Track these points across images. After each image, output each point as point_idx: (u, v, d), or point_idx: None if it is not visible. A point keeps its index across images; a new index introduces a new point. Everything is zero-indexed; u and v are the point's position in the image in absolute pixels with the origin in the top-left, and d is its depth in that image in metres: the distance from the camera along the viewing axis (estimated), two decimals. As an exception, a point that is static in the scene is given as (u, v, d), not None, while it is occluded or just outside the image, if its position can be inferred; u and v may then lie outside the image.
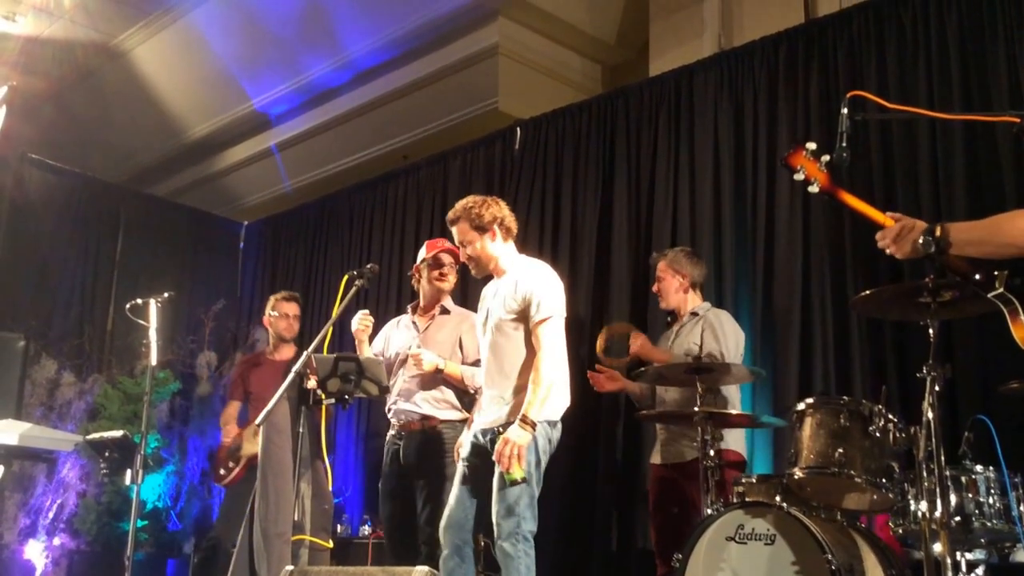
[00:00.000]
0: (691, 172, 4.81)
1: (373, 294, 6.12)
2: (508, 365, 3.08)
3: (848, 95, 2.32)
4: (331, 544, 4.14)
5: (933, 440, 2.47)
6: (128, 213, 7.15)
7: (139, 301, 4.23)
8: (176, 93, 7.26)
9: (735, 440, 3.68)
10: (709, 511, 3.16)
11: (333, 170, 7.24)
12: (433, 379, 3.61)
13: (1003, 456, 2.73)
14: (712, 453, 3.31)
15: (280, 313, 4.59)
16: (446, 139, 6.39)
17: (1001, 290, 2.11)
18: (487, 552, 4.42)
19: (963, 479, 2.75)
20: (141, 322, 4.17)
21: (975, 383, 3.57)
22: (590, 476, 4.77)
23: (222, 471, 4.55)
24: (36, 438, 4.46)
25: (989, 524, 2.71)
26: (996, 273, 2.11)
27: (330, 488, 4.25)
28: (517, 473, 2.84)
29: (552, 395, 2.98)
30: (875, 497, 2.92)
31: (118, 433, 4.58)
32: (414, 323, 3.83)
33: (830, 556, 2.67)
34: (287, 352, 4.61)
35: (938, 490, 2.47)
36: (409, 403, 3.62)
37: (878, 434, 2.82)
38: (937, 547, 2.47)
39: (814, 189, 2.27)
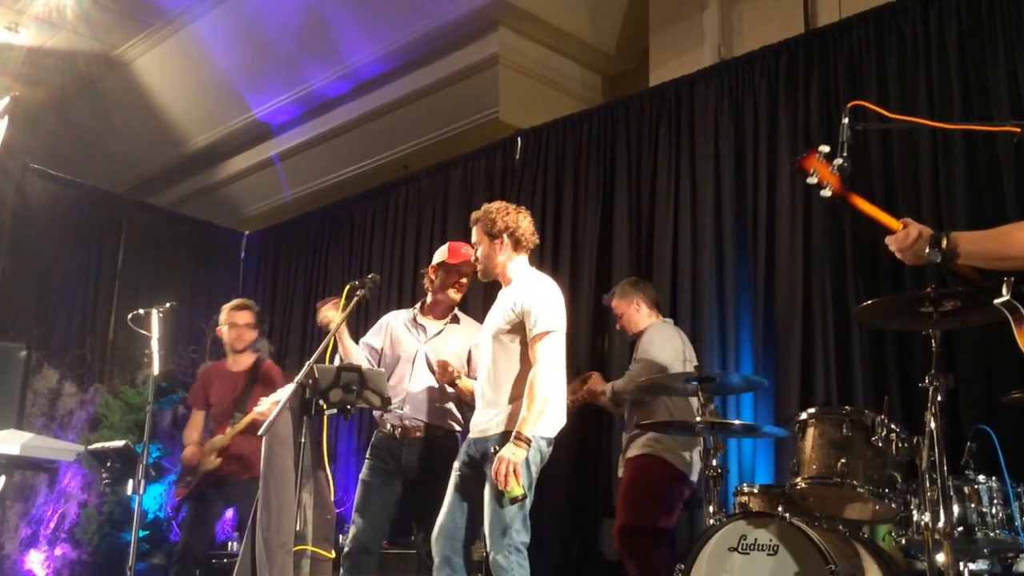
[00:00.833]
0: (692, 182, 4.82)
1: (374, 303, 6.12)
2: (503, 376, 3.07)
3: (849, 105, 2.33)
4: (333, 554, 4.13)
5: (936, 450, 2.47)
6: (129, 223, 7.17)
7: (140, 311, 4.23)
8: (177, 103, 7.28)
9: (667, 449, 3.74)
10: (712, 521, 3.16)
11: (334, 180, 7.25)
12: (442, 389, 3.58)
13: (1006, 466, 2.73)
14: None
15: (230, 323, 4.51)
16: (447, 149, 6.41)
17: (1008, 297, 2.09)
18: (487, 562, 4.42)
19: (966, 489, 2.74)
20: (143, 332, 4.17)
21: (977, 393, 3.57)
22: (590, 484, 4.77)
23: (181, 486, 4.52)
24: (37, 448, 4.46)
25: (992, 534, 2.70)
26: (1004, 279, 2.09)
27: (332, 498, 4.24)
28: (516, 491, 2.82)
29: (547, 411, 2.95)
30: (878, 507, 2.92)
31: (120, 443, 4.58)
32: (422, 326, 3.72)
33: (833, 566, 2.66)
34: (244, 362, 4.53)
35: (941, 500, 2.47)
36: (415, 410, 3.58)
37: (880, 444, 2.82)
38: (940, 557, 2.47)
39: (826, 193, 2.25)
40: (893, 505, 2.83)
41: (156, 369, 4.13)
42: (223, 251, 7.80)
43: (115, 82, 7.18)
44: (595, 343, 4.99)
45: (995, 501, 2.73)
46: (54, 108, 7.30)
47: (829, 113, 4.32)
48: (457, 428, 3.64)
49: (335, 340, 3.40)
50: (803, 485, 2.90)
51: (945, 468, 2.47)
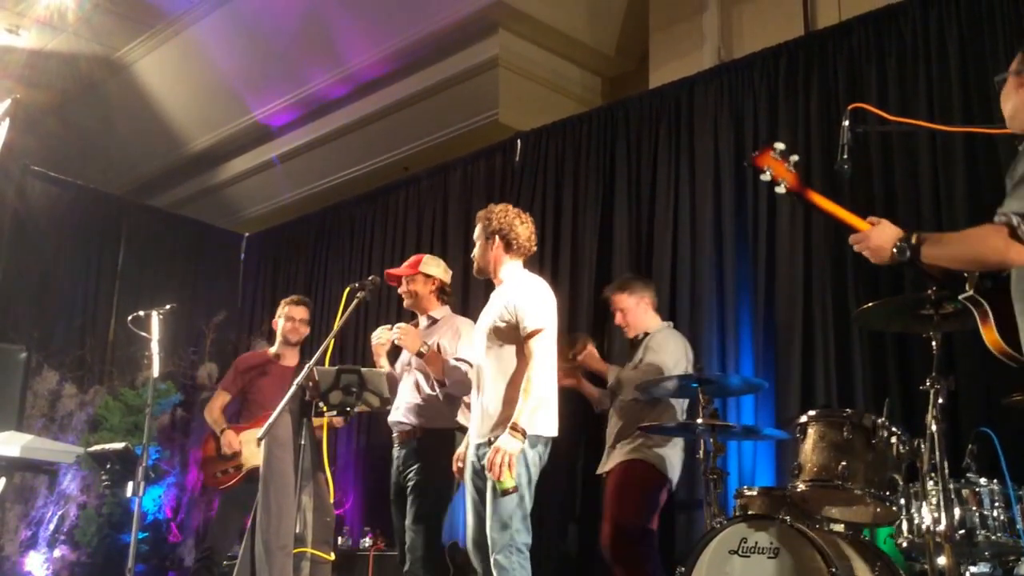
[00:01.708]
0: (691, 184, 4.82)
1: (374, 305, 6.13)
2: (499, 375, 3.10)
3: (849, 107, 2.33)
4: (333, 556, 4.13)
5: (936, 452, 2.47)
6: (130, 225, 7.17)
7: (141, 313, 4.23)
8: (178, 105, 7.28)
9: (657, 455, 3.73)
10: (712, 523, 3.16)
11: (334, 182, 7.25)
12: (418, 389, 3.64)
13: (1007, 469, 2.73)
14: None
15: (287, 316, 4.54)
16: (447, 151, 6.41)
17: (971, 292, 2.10)
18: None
19: (967, 492, 2.74)
20: (143, 334, 4.17)
21: (978, 395, 3.56)
22: (591, 485, 4.77)
23: (219, 473, 4.33)
24: (37, 450, 4.45)
25: (993, 537, 2.70)
26: (967, 275, 2.10)
27: (331, 500, 4.24)
28: (509, 482, 2.84)
29: (544, 407, 3.00)
30: (878, 510, 2.92)
31: (120, 445, 4.57)
32: None
33: (834, 569, 2.66)
34: (292, 359, 4.55)
35: (942, 503, 2.46)
36: (403, 414, 3.66)
37: (881, 447, 2.82)
38: (941, 560, 2.47)
39: (781, 190, 2.25)
40: (894, 508, 2.83)
41: (156, 371, 4.13)
42: (223, 253, 7.80)
43: (116, 85, 7.18)
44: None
45: (996, 504, 2.73)
46: (55, 110, 7.30)
47: (829, 115, 4.32)
48: (445, 426, 3.62)
49: (334, 342, 3.41)
50: (804, 487, 2.89)
51: (946, 471, 2.47)
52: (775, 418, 4.14)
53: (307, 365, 3.19)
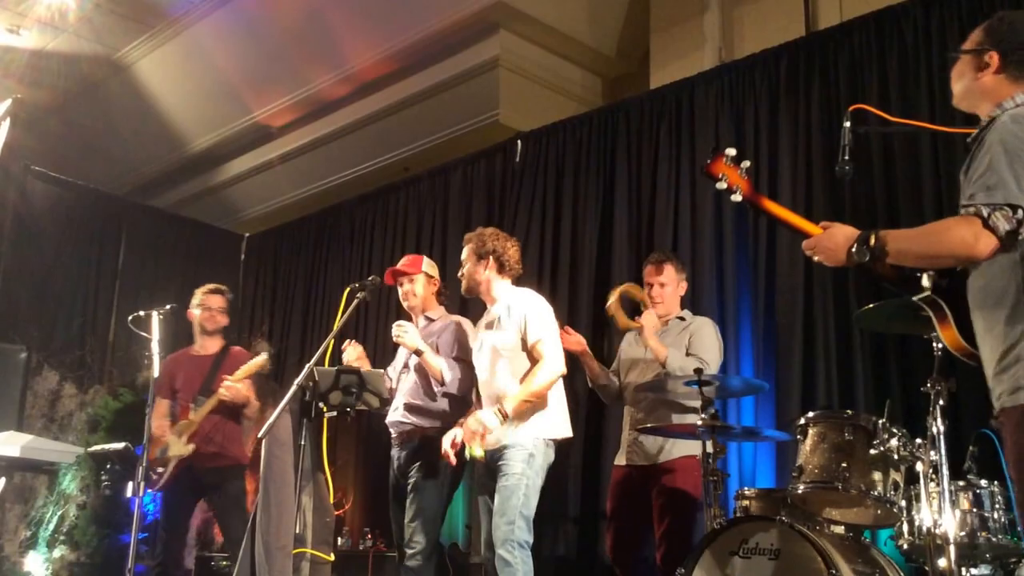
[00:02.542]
0: (692, 185, 4.81)
1: (374, 306, 6.13)
2: (506, 386, 3.26)
3: (850, 108, 2.32)
4: (332, 557, 4.13)
5: (938, 454, 2.46)
6: (130, 225, 7.17)
7: (141, 313, 4.22)
8: (179, 105, 7.28)
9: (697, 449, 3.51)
10: (713, 525, 3.15)
11: (334, 182, 7.25)
12: (418, 389, 3.62)
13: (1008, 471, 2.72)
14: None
15: (203, 306, 4.41)
16: (447, 151, 6.41)
17: (927, 293, 2.04)
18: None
19: (968, 493, 2.74)
20: (143, 334, 4.17)
21: (979, 397, 3.52)
22: (592, 485, 4.77)
23: (153, 476, 4.21)
24: (37, 450, 4.47)
25: (994, 539, 2.70)
26: (924, 274, 2.04)
27: (331, 501, 4.24)
28: (477, 451, 3.12)
29: (552, 410, 3.23)
30: (879, 512, 2.91)
31: (119, 445, 4.58)
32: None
33: (834, 571, 2.65)
34: (212, 346, 4.40)
35: (943, 505, 2.46)
36: (402, 415, 3.65)
37: (882, 448, 2.81)
38: (942, 562, 2.46)
39: (737, 198, 2.18)
40: (895, 509, 2.82)
41: (156, 371, 4.12)
42: (224, 253, 7.80)
43: (117, 85, 7.18)
44: (594, 345, 4.97)
45: (997, 505, 2.72)
46: (56, 110, 7.30)
47: (830, 116, 4.32)
48: (440, 425, 3.58)
49: (333, 342, 3.41)
50: (804, 489, 2.88)
51: (947, 472, 2.46)
52: (776, 419, 4.13)
53: (307, 365, 3.19)
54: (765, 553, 2.85)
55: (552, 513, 4.72)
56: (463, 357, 3.57)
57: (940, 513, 2.51)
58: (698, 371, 3.35)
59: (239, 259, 7.89)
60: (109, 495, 5.60)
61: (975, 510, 2.71)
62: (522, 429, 3.20)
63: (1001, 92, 1.98)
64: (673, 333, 3.73)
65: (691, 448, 3.49)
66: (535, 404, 3.23)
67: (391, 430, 3.72)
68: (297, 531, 3.62)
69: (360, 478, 6.19)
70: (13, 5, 6.31)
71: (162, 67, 6.97)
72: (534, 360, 3.26)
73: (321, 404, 3.33)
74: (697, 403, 3.30)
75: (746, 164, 2.19)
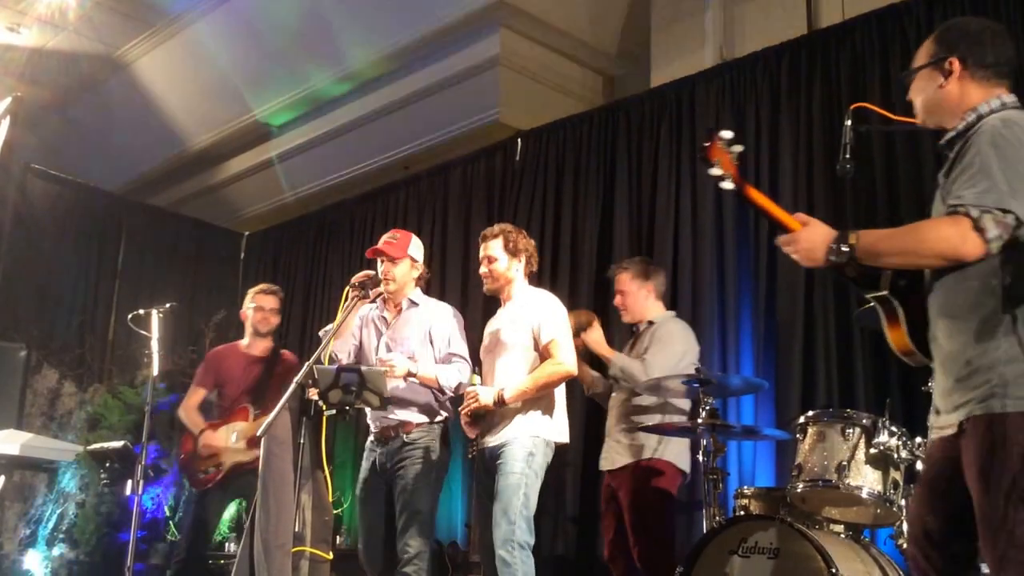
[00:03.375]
0: (692, 183, 4.81)
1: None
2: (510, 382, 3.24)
3: (852, 107, 2.31)
4: (331, 555, 4.12)
5: (938, 453, 2.45)
6: (130, 223, 7.17)
7: (140, 311, 4.22)
8: (179, 104, 7.27)
9: (674, 451, 3.63)
10: (712, 524, 3.15)
11: (334, 181, 7.24)
12: (407, 383, 3.46)
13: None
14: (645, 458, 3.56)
15: (256, 305, 4.39)
16: (447, 150, 6.40)
17: (884, 292, 2.00)
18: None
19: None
20: (143, 332, 4.16)
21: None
22: (590, 485, 4.76)
23: (201, 474, 4.21)
24: (37, 448, 4.46)
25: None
26: (882, 273, 1.99)
27: (330, 499, 4.22)
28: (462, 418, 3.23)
29: (555, 412, 3.25)
30: (879, 511, 2.90)
31: (119, 444, 4.57)
32: (383, 318, 3.66)
33: (834, 570, 2.65)
34: (261, 346, 4.40)
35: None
36: (384, 410, 3.49)
37: (881, 447, 2.80)
38: (942, 561, 2.45)
39: (728, 185, 2.13)
40: (895, 508, 2.82)
41: (156, 369, 4.12)
42: (223, 252, 7.80)
43: (116, 83, 7.18)
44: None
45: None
46: (56, 109, 7.30)
47: (831, 115, 4.31)
48: (430, 420, 3.51)
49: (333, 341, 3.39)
50: (804, 488, 2.88)
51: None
52: (775, 418, 4.13)
53: (307, 363, 3.17)
54: (764, 552, 2.85)
55: (551, 513, 4.72)
56: (460, 354, 3.49)
57: (940, 512, 2.49)
58: (697, 370, 3.43)
59: (239, 257, 7.89)
60: (108, 493, 5.60)
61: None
62: (523, 426, 3.18)
63: (971, 97, 1.95)
64: (645, 339, 3.77)
65: (663, 451, 3.60)
66: (537, 399, 3.20)
67: (371, 425, 3.59)
68: (296, 529, 3.60)
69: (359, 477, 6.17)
70: (13, 3, 6.30)
71: (162, 65, 6.97)
72: (545, 359, 3.25)
73: (320, 402, 3.31)
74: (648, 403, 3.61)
75: (738, 148, 2.16)
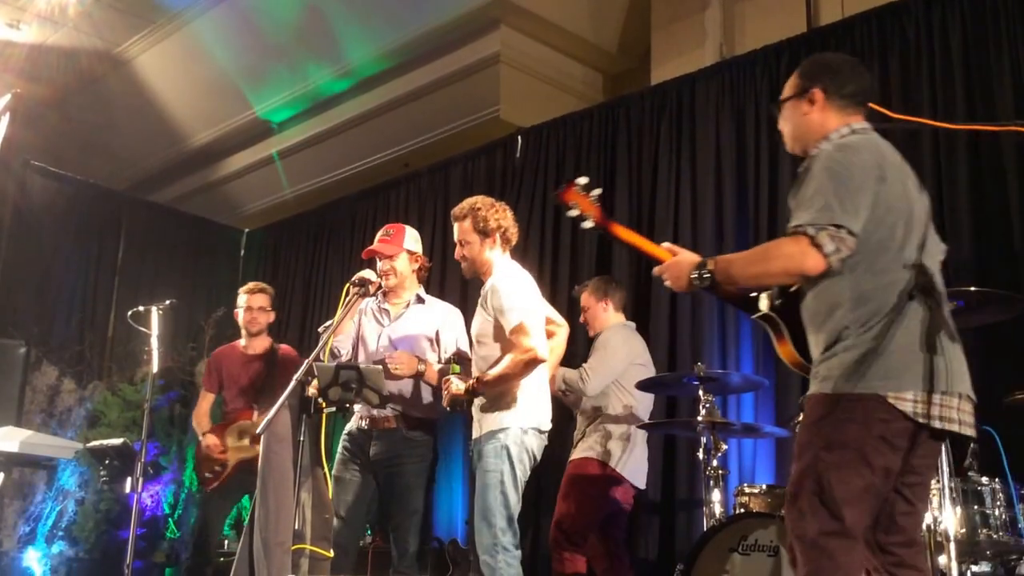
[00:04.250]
0: (692, 181, 4.81)
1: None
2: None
3: (852, 105, 2.30)
4: (331, 553, 4.11)
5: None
6: (130, 220, 7.17)
7: (140, 308, 4.21)
8: (179, 101, 7.27)
9: (613, 447, 3.73)
10: (712, 521, 3.15)
11: (334, 178, 7.25)
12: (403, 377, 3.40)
13: (1009, 468, 2.72)
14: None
15: (246, 306, 4.40)
16: (447, 147, 6.40)
17: (765, 311, 2.13)
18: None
19: (969, 491, 2.73)
20: (142, 329, 4.15)
21: (980, 394, 3.50)
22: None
23: (208, 475, 4.28)
24: (36, 445, 4.46)
25: (995, 536, 2.69)
26: (763, 293, 2.14)
27: (330, 497, 4.22)
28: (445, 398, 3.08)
29: (523, 397, 2.98)
30: (879, 509, 2.90)
31: (118, 441, 4.56)
32: (385, 310, 3.59)
33: (834, 568, 2.64)
34: (260, 345, 4.41)
35: (943, 502, 2.45)
36: (384, 408, 3.43)
37: (882, 445, 2.79)
38: (943, 559, 2.46)
39: (588, 224, 2.30)
40: (894, 506, 2.81)
41: (155, 366, 4.11)
42: (223, 248, 7.80)
43: (116, 79, 7.17)
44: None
45: (998, 503, 2.72)
46: (55, 105, 7.29)
47: (831, 112, 4.29)
48: (428, 416, 3.48)
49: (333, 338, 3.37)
50: (804, 486, 2.87)
51: (948, 469, 2.45)
52: (775, 416, 4.13)
53: (306, 361, 3.17)
54: (764, 550, 2.85)
55: (549, 511, 4.71)
56: (467, 355, 3.43)
57: (940, 510, 2.51)
58: (697, 368, 3.44)
59: (239, 254, 7.90)
60: (107, 491, 5.60)
61: (976, 507, 2.70)
62: (491, 421, 2.99)
63: (828, 125, 2.08)
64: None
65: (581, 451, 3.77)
66: (503, 392, 2.98)
67: (360, 409, 3.49)
68: (296, 527, 3.60)
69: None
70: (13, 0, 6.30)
71: (162, 62, 6.96)
72: (507, 348, 2.99)
73: (320, 400, 3.30)
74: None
75: (597, 192, 2.31)
